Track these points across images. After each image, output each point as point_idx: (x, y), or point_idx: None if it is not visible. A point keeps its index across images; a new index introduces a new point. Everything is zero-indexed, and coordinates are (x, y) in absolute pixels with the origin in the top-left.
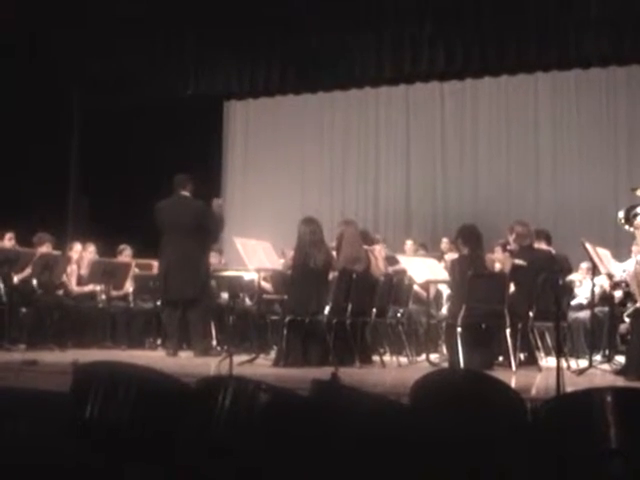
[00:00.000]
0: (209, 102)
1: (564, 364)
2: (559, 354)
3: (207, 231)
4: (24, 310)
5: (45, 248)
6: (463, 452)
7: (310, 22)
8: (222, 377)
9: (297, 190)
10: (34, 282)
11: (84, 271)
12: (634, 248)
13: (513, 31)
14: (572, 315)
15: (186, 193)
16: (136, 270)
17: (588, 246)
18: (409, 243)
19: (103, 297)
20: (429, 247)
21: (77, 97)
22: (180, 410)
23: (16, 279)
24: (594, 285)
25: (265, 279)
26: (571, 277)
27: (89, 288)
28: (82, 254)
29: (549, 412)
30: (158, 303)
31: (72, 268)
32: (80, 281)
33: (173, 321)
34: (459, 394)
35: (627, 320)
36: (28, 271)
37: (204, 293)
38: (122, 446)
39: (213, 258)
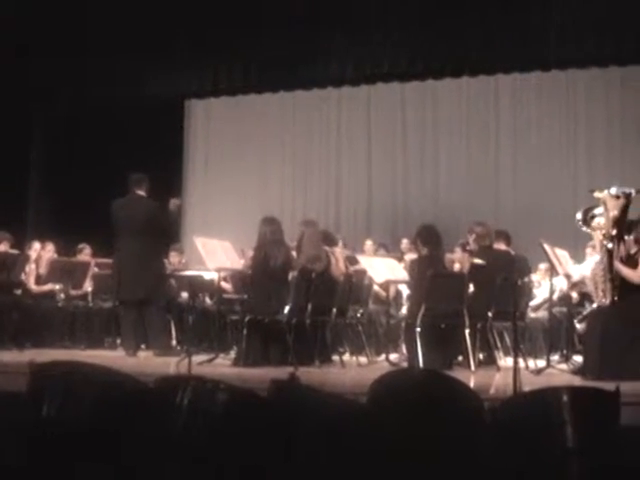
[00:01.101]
0: (170, 101)
1: (522, 364)
2: (516, 354)
3: (160, 231)
4: None
5: (3, 247)
6: (420, 452)
7: (272, 21)
8: (181, 376)
9: (258, 189)
10: None
11: (43, 270)
12: (588, 250)
13: (474, 33)
14: (530, 315)
15: (141, 192)
16: (95, 269)
17: (546, 247)
18: (369, 243)
19: (62, 296)
20: (389, 247)
21: (38, 95)
22: (138, 410)
23: None
24: (552, 285)
25: (225, 279)
26: (530, 277)
27: (48, 287)
28: (41, 253)
29: (506, 411)
30: (117, 303)
31: (31, 267)
32: (39, 280)
33: (128, 321)
34: (417, 394)
35: (578, 326)
36: None
37: (158, 292)
38: (79, 446)
39: (173, 257)
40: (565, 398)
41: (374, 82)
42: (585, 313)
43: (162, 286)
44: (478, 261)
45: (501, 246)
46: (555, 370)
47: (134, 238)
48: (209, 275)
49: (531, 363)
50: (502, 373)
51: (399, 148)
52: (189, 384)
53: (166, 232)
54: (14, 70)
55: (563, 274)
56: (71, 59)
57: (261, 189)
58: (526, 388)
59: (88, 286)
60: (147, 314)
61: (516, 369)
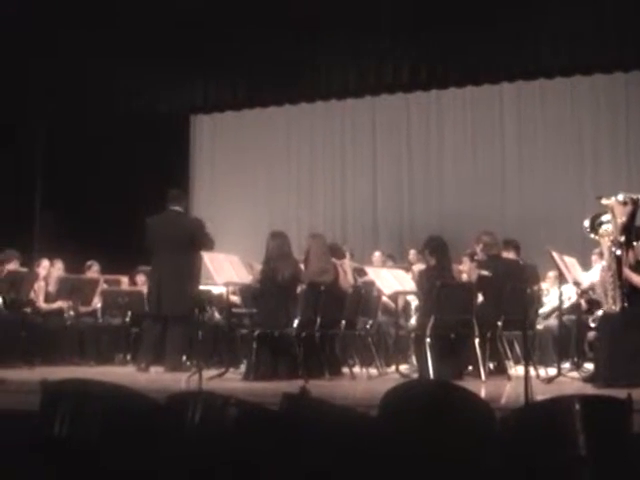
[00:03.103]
0: (175, 116)
1: (533, 372)
2: (527, 363)
3: (199, 247)
4: None
5: (13, 265)
6: (433, 463)
7: (275, 35)
8: (191, 392)
9: (265, 203)
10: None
11: (52, 288)
12: (594, 257)
13: (478, 42)
14: (540, 324)
15: (179, 208)
16: (104, 286)
17: (555, 254)
18: (377, 254)
19: (71, 313)
20: (397, 258)
21: (42, 113)
22: (149, 426)
23: None
24: (561, 293)
25: (234, 293)
26: (539, 286)
27: (57, 305)
28: (50, 270)
29: (518, 421)
30: (127, 319)
31: (40, 285)
32: (48, 298)
33: (152, 335)
34: (428, 405)
35: (593, 325)
36: None
37: (192, 310)
38: (91, 464)
39: None
40: (577, 407)
41: (378, 93)
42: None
43: (197, 303)
44: (484, 273)
45: (510, 255)
46: (566, 378)
47: (174, 254)
48: (218, 289)
49: (542, 371)
50: (513, 382)
51: (404, 159)
52: (200, 400)
53: (203, 248)
54: (19, 85)
55: (572, 282)
56: (77, 74)
57: (267, 203)
58: (538, 397)
59: (97, 303)
60: (174, 330)
61: (527, 378)
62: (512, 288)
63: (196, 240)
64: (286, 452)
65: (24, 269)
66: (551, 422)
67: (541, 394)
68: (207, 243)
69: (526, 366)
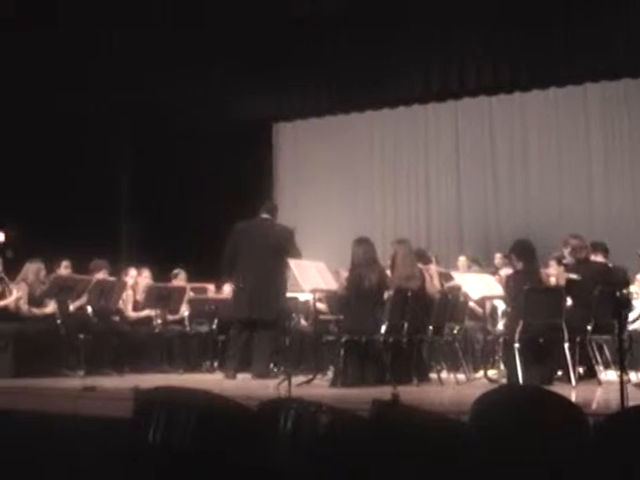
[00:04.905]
0: (258, 125)
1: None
2: (622, 368)
3: (286, 256)
4: (81, 337)
5: (101, 274)
6: (526, 470)
7: (356, 40)
8: (283, 400)
9: (349, 210)
10: (89, 309)
11: (140, 296)
12: None
13: (560, 43)
14: (629, 327)
15: (269, 217)
16: (191, 294)
17: None
18: (462, 259)
19: (159, 322)
20: (482, 262)
21: (127, 123)
22: (242, 434)
23: (72, 306)
24: None
25: (320, 300)
26: (628, 289)
27: (145, 313)
28: (137, 279)
29: (612, 427)
30: (214, 326)
31: (128, 294)
32: (136, 306)
33: (238, 342)
34: (520, 411)
35: None
36: (84, 298)
37: (280, 317)
38: (185, 471)
39: None
40: None
41: (460, 97)
42: None
43: (284, 310)
44: (573, 276)
45: (598, 258)
46: None
47: (264, 260)
48: (304, 296)
49: (632, 376)
50: (603, 387)
51: (488, 162)
52: (292, 407)
53: (291, 257)
54: (103, 99)
55: None
56: (160, 84)
57: (351, 209)
58: (630, 402)
59: (184, 311)
60: (261, 337)
61: (623, 383)
62: (601, 291)
63: (283, 249)
64: (380, 459)
65: (112, 278)
66: None
67: (633, 399)
68: (294, 253)
69: (621, 371)
